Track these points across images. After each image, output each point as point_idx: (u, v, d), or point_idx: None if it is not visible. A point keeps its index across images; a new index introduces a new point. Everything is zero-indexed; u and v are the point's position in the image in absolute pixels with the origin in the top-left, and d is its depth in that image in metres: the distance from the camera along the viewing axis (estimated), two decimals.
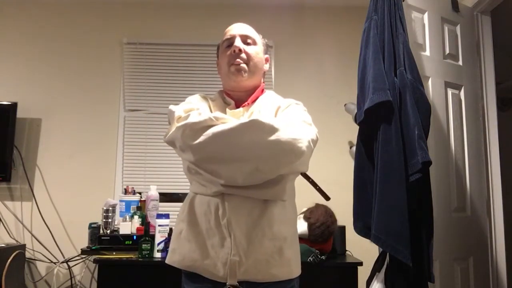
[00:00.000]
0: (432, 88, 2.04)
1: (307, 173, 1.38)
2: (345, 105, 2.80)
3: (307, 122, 1.23)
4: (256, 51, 1.33)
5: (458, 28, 2.24)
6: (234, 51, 1.29)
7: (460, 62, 2.22)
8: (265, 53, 1.40)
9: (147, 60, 3.01)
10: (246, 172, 1.10)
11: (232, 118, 1.16)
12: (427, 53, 2.07)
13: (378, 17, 1.78)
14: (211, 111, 1.30)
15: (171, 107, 1.24)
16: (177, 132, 1.15)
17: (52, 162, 2.88)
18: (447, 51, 2.16)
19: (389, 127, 1.65)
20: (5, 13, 3.02)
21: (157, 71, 3.01)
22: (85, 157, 2.89)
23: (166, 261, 1.23)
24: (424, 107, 1.71)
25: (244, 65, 1.29)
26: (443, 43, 2.15)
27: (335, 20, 3.10)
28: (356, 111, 1.85)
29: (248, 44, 1.32)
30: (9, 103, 2.77)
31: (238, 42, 1.30)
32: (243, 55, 1.30)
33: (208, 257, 1.14)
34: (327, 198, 1.44)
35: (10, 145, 2.73)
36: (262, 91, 1.38)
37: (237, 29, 1.34)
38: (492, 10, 2.36)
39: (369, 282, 1.80)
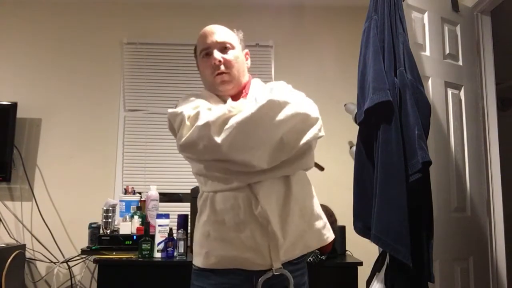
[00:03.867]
0: (432, 88, 2.04)
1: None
2: (345, 105, 2.80)
3: (303, 96, 1.27)
4: (235, 56, 1.31)
5: (458, 28, 2.24)
6: (215, 63, 1.28)
7: (460, 62, 2.22)
8: (244, 48, 1.39)
9: (147, 60, 3.01)
10: (273, 148, 1.12)
11: (245, 104, 1.17)
12: (427, 53, 2.07)
13: (378, 17, 1.78)
14: None
15: (172, 110, 1.22)
16: (199, 131, 1.12)
17: (52, 162, 2.88)
18: (447, 51, 2.15)
19: (389, 127, 1.65)
20: (5, 13, 3.02)
21: (157, 71, 3.01)
22: (85, 157, 2.89)
23: (202, 266, 1.21)
24: (424, 107, 1.71)
25: (227, 76, 1.28)
26: (443, 43, 2.15)
27: (335, 20, 3.10)
28: (356, 111, 1.85)
29: (226, 49, 1.30)
30: (9, 103, 2.77)
31: (216, 54, 1.28)
32: (223, 67, 1.28)
33: (247, 250, 1.15)
34: (321, 168, 1.50)
35: (10, 145, 2.73)
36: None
37: (212, 36, 1.30)
38: (492, 10, 2.36)
39: (369, 282, 1.81)
